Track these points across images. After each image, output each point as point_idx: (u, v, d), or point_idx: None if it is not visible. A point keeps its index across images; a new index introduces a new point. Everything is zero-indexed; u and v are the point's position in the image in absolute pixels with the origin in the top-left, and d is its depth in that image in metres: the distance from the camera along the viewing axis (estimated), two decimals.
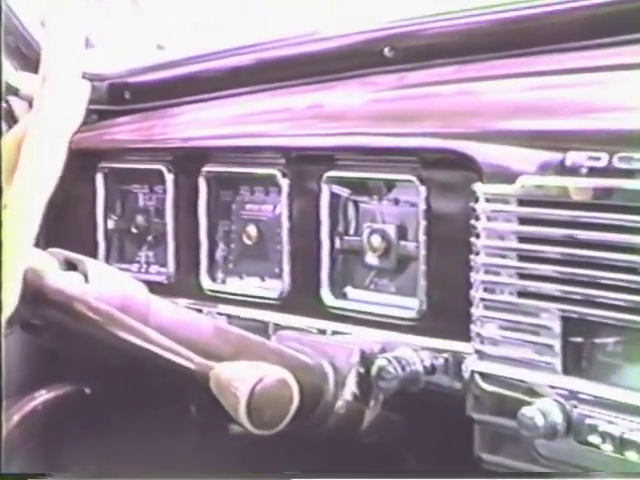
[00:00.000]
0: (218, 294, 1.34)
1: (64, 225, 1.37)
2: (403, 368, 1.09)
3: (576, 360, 0.97)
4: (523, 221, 0.99)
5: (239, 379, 0.99)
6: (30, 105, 1.12)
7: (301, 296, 1.24)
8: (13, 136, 0.91)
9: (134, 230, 1.46)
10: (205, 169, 1.33)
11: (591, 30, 1.08)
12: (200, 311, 1.31)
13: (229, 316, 1.30)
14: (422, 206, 1.11)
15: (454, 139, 1.06)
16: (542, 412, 0.95)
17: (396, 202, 1.17)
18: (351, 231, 1.21)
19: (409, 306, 1.14)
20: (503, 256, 1.01)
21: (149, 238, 1.45)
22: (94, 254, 1.44)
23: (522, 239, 0.99)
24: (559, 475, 0.99)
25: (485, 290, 1.02)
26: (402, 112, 1.16)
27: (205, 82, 1.43)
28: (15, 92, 1.44)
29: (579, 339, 0.97)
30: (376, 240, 1.17)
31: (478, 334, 1.03)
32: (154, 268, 1.44)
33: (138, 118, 1.48)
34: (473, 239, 1.03)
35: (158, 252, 1.44)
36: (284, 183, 1.25)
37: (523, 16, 1.15)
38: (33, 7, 1.49)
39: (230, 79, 1.40)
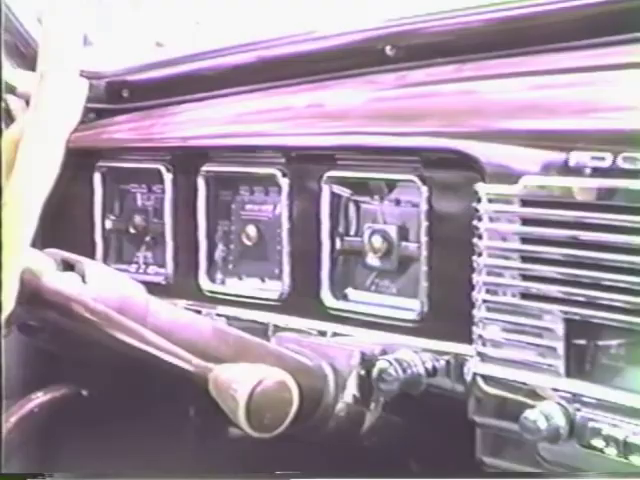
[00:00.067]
0: (217, 295, 1.34)
1: (61, 225, 1.37)
2: (404, 370, 1.09)
3: (579, 362, 0.97)
4: (526, 222, 0.99)
5: (238, 381, 0.99)
6: (27, 103, 1.12)
7: (301, 297, 1.24)
8: (10, 135, 0.91)
9: (132, 230, 1.46)
10: (204, 169, 1.33)
11: (595, 28, 1.08)
12: (199, 312, 1.31)
13: (228, 317, 1.30)
14: (424, 206, 1.11)
15: (456, 138, 1.06)
16: (545, 415, 0.95)
17: (397, 202, 1.17)
18: (352, 232, 1.21)
19: (410, 307, 1.14)
20: (505, 257, 1.01)
21: (147, 238, 1.45)
22: (92, 254, 1.44)
23: (525, 240, 0.99)
24: (559, 475, 0.99)
25: (487, 292, 1.02)
26: (403, 111, 1.16)
27: (204, 80, 1.43)
28: (12, 90, 1.44)
29: (582, 341, 0.97)
30: (377, 241, 1.17)
31: (480, 336, 1.03)
32: (152, 269, 1.44)
33: (136, 117, 1.48)
34: (475, 240, 1.03)
35: (156, 253, 1.44)
36: (284, 183, 1.25)
37: (526, 14, 1.14)
38: (30, 4, 1.49)
39: (230, 77, 1.40)
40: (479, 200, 1.02)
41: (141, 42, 1.76)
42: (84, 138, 1.43)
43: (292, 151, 1.24)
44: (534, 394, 0.99)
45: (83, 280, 1.06)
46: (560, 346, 0.97)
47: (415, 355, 1.10)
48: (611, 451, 0.92)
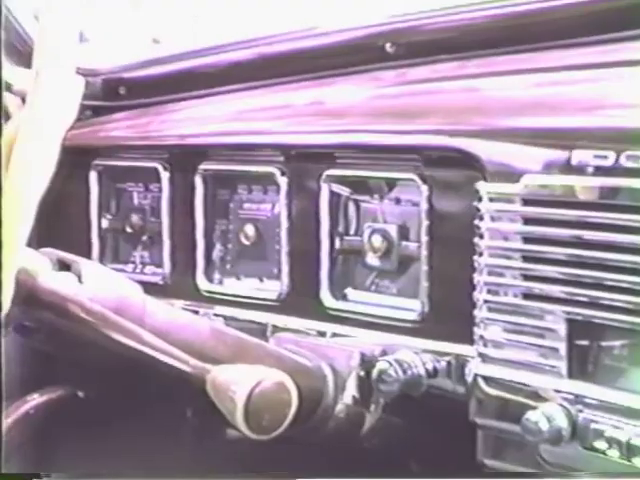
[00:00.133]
0: (215, 295, 1.34)
1: (57, 224, 1.37)
2: (404, 371, 1.09)
3: (582, 363, 0.97)
4: (528, 221, 0.99)
5: (236, 382, 0.99)
6: (23, 101, 1.12)
7: (300, 297, 1.24)
8: (6, 133, 0.91)
9: (129, 229, 1.46)
10: (202, 167, 1.34)
11: (599, 25, 1.08)
12: (196, 313, 1.31)
13: (226, 318, 1.30)
14: (424, 205, 1.11)
15: (457, 137, 1.06)
16: (547, 417, 0.95)
17: (397, 201, 1.17)
18: (351, 231, 1.21)
19: (411, 308, 1.14)
20: (507, 257, 1.01)
21: (144, 238, 1.45)
22: (88, 254, 1.44)
23: (527, 239, 0.99)
24: (559, 475, 0.99)
25: (489, 292, 1.02)
26: (404, 109, 1.16)
27: (202, 78, 1.43)
28: (8, 88, 1.44)
29: (585, 342, 0.97)
30: (377, 240, 1.17)
31: (481, 337, 1.03)
32: (149, 268, 1.44)
33: (133, 114, 1.48)
34: (476, 239, 1.03)
35: (153, 252, 1.44)
36: (283, 182, 1.25)
37: (528, 10, 1.15)
38: (26, 1, 1.49)
39: (228, 75, 1.40)
40: (480, 199, 1.02)
41: (138, 39, 1.76)
42: (80, 136, 1.43)
43: (291, 149, 1.24)
44: (536, 395, 0.99)
45: (79, 280, 1.06)
46: (562, 347, 0.97)
47: (415, 356, 1.10)
48: (614, 453, 0.92)
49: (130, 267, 1.46)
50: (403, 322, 1.14)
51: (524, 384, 1.00)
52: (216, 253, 1.35)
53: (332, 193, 1.20)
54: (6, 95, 1.43)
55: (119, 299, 1.06)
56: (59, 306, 1.02)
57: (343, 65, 1.28)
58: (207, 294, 1.34)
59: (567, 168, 0.96)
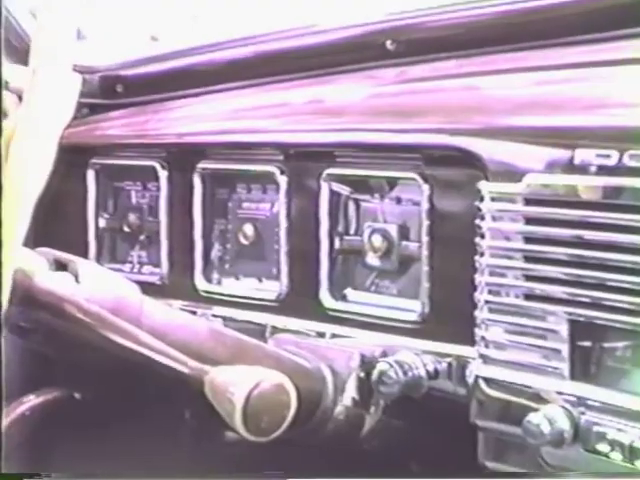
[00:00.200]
0: (213, 295, 1.34)
1: (54, 224, 1.37)
2: (405, 373, 1.09)
3: (584, 365, 0.97)
4: (530, 221, 0.99)
5: (235, 384, 0.99)
6: (20, 99, 1.13)
7: (299, 298, 1.24)
8: (3, 131, 0.91)
9: (126, 229, 1.46)
10: (200, 166, 1.34)
11: (601, 22, 1.08)
12: (195, 313, 1.31)
13: (225, 318, 1.30)
14: (425, 205, 1.11)
15: (458, 135, 1.07)
16: (548, 419, 0.95)
17: (398, 201, 1.17)
18: (351, 231, 1.21)
19: (411, 308, 1.14)
20: (509, 257, 1.01)
21: (142, 237, 1.45)
22: (85, 254, 1.44)
23: (528, 239, 0.99)
24: (559, 476, 0.99)
25: (490, 292, 1.02)
26: (404, 107, 1.16)
27: (201, 75, 1.44)
28: (5, 85, 1.44)
29: (587, 343, 0.97)
30: (377, 240, 1.18)
31: (483, 338, 1.03)
32: (147, 268, 1.44)
33: (131, 112, 1.48)
34: (478, 239, 1.03)
35: (151, 252, 1.44)
36: (282, 181, 1.25)
37: (530, 8, 1.15)
38: None
39: (227, 72, 1.40)
40: (482, 199, 1.02)
41: (136, 36, 1.76)
42: (77, 134, 1.43)
43: (290, 148, 1.25)
44: (538, 397, 0.99)
45: (76, 280, 1.06)
46: (564, 348, 0.98)
47: (416, 357, 1.10)
48: (616, 456, 0.92)
49: (127, 267, 1.46)
50: (403, 323, 1.14)
51: (526, 386, 1.00)
52: (214, 253, 1.35)
53: (332, 192, 1.20)
54: (3, 93, 1.43)
55: (116, 299, 1.06)
56: (55, 306, 1.02)
57: (343, 63, 1.28)
58: (205, 294, 1.34)
59: (570, 167, 0.96)
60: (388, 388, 1.09)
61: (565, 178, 0.96)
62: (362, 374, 1.12)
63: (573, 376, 0.97)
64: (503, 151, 1.02)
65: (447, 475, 1.10)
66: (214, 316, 1.31)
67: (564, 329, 0.97)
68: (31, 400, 1.40)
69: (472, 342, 1.05)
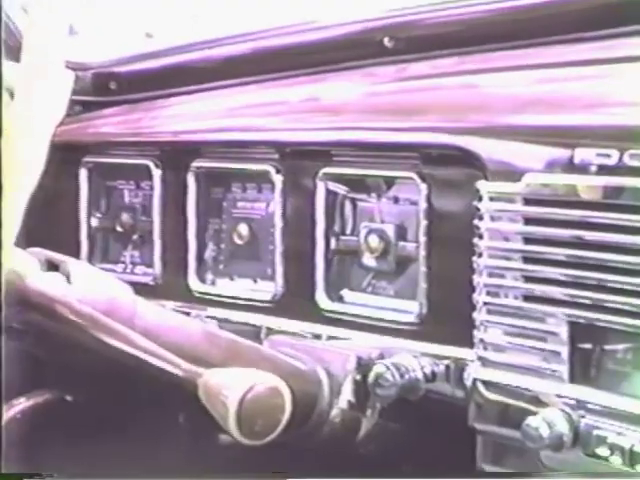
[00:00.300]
0: (207, 296, 1.34)
1: (45, 223, 1.37)
2: (402, 375, 1.09)
3: (584, 368, 0.98)
4: (529, 221, 0.99)
5: (229, 387, 0.99)
6: (11, 96, 1.13)
7: (295, 299, 1.24)
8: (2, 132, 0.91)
9: (119, 228, 1.46)
10: (195, 164, 1.34)
11: (602, 20, 1.08)
12: (188, 314, 1.31)
13: (219, 320, 1.30)
14: (423, 205, 1.12)
15: (457, 134, 1.07)
16: (548, 422, 0.95)
17: (395, 200, 1.18)
18: (348, 231, 1.21)
19: (408, 310, 1.14)
20: (508, 258, 1.01)
21: (135, 237, 1.45)
22: (76, 254, 1.44)
23: (528, 240, 1.00)
24: (558, 476, 0.99)
25: (488, 294, 1.03)
26: (402, 105, 1.16)
27: (196, 73, 1.44)
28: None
29: (587, 345, 0.97)
30: (374, 240, 1.18)
31: (481, 340, 1.04)
32: (140, 269, 1.44)
33: (124, 110, 1.48)
34: (476, 240, 1.03)
35: (144, 252, 1.44)
36: (278, 180, 1.25)
37: (530, 5, 1.15)
38: None
39: (222, 70, 1.40)
40: (480, 198, 1.02)
41: (130, 32, 1.76)
42: (70, 132, 1.43)
43: (286, 147, 1.25)
44: (537, 400, 0.99)
45: (68, 280, 1.06)
46: (564, 350, 0.98)
47: (413, 359, 1.10)
48: (616, 460, 0.92)
49: (120, 267, 1.46)
50: (401, 324, 1.14)
51: (525, 389, 1.00)
52: (209, 253, 1.36)
53: (328, 192, 1.20)
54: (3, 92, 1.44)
55: (109, 300, 1.06)
56: (47, 307, 1.02)
57: (340, 60, 1.28)
58: (199, 295, 1.34)
59: (569, 167, 0.96)
60: (385, 391, 1.09)
61: (565, 178, 0.96)
62: (358, 376, 1.12)
63: (573, 379, 0.97)
64: (502, 150, 1.02)
65: (445, 478, 1.10)
66: (208, 317, 1.31)
67: (564, 331, 0.97)
68: (22, 403, 1.40)
69: (470, 344, 1.05)
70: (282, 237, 1.24)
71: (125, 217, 1.45)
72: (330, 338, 1.20)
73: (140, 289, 1.15)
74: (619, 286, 0.93)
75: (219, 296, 1.33)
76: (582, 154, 0.95)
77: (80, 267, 1.10)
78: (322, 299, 1.21)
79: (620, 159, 0.92)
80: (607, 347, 0.96)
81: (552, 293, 0.98)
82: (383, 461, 1.18)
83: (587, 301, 0.95)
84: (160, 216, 1.38)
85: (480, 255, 1.03)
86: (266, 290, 1.28)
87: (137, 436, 1.38)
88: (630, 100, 0.97)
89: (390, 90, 1.21)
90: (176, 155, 1.37)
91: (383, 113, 1.17)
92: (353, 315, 1.19)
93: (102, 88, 1.52)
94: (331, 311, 1.21)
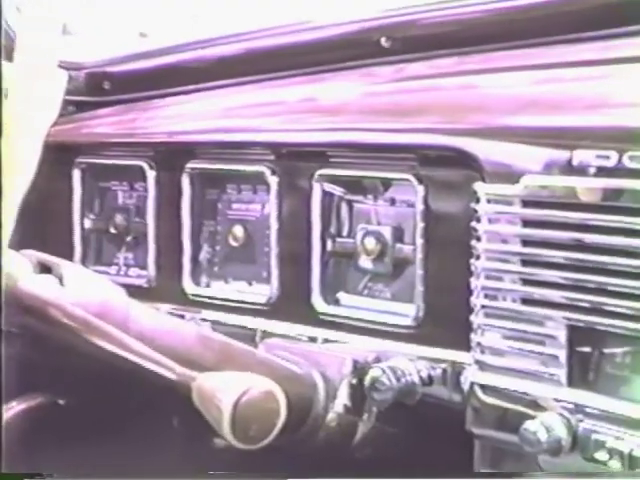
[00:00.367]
0: (202, 299, 1.34)
1: (38, 225, 1.37)
2: (398, 379, 1.09)
3: (582, 372, 0.98)
4: (527, 223, 0.99)
5: (223, 390, 0.99)
6: (5, 96, 1.13)
7: (291, 302, 1.24)
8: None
9: (113, 230, 1.46)
10: (189, 166, 1.34)
11: (601, 20, 1.08)
12: (182, 317, 1.31)
13: (213, 323, 1.30)
14: (420, 207, 1.12)
15: (454, 135, 1.07)
16: (546, 427, 0.95)
17: (392, 202, 1.18)
18: (344, 233, 1.21)
19: (405, 313, 1.14)
20: (505, 260, 1.01)
21: (128, 239, 1.45)
22: (69, 256, 1.44)
23: (526, 242, 1.00)
24: (558, 476, 0.99)
25: (486, 297, 1.02)
26: (400, 106, 1.16)
27: (191, 73, 1.44)
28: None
29: (586, 349, 0.97)
30: (370, 242, 1.18)
31: (478, 343, 1.04)
32: (134, 271, 1.44)
33: (118, 110, 1.48)
34: (474, 242, 1.03)
35: (138, 254, 1.44)
36: (273, 181, 1.25)
37: (529, 5, 1.15)
38: None
39: (217, 70, 1.40)
40: (478, 200, 1.02)
41: (124, 32, 1.76)
42: (63, 132, 1.43)
43: (282, 148, 1.25)
44: (535, 404, 0.99)
45: (60, 283, 1.06)
46: (562, 354, 0.98)
47: (410, 363, 1.10)
48: (615, 464, 0.92)
49: (114, 269, 1.46)
50: (397, 328, 1.14)
51: (523, 393, 1.00)
52: (203, 255, 1.36)
53: (324, 193, 1.20)
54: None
55: (102, 303, 1.06)
56: (39, 310, 1.02)
57: (337, 60, 1.28)
58: (194, 298, 1.34)
59: (568, 168, 0.96)
60: (381, 395, 1.09)
61: (563, 179, 0.96)
62: (354, 380, 1.12)
63: (571, 383, 0.97)
64: (500, 151, 1.02)
65: None
66: (202, 320, 1.31)
67: (562, 334, 0.97)
68: (14, 407, 1.40)
69: (468, 348, 1.05)
70: (277, 239, 1.24)
71: (119, 219, 1.45)
72: (326, 341, 1.20)
73: (134, 291, 1.15)
74: (618, 289, 0.93)
75: (214, 299, 1.33)
76: (581, 156, 0.95)
77: (73, 269, 1.10)
78: (318, 302, 1.21)
79: (619, 161, 0.92)
80: (606, 351, 0.96)
81: (550, 296, 0.98)
82: (379, 466, 1.18)
83: (586, 304, 0.95)
84: (154, 218, 1.38)
85: (478, 258, 1.03)
86: (261, 293, 1.28)
87: (131, 440, 1.37)
88: (629, 101, 0.97)
89: (387, 91, 1.21)
90: (170, 156, 1.37)
91: (380, 114, 1.17)
92: (349, 318, 1.19)
93: (96, 88, 1.52)
94: (327, 314, 1.21)
